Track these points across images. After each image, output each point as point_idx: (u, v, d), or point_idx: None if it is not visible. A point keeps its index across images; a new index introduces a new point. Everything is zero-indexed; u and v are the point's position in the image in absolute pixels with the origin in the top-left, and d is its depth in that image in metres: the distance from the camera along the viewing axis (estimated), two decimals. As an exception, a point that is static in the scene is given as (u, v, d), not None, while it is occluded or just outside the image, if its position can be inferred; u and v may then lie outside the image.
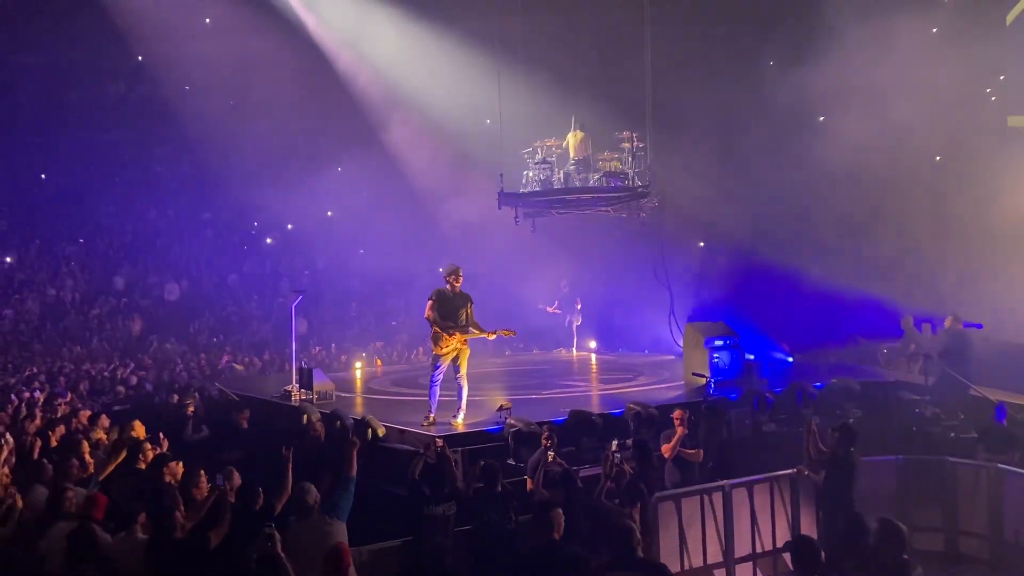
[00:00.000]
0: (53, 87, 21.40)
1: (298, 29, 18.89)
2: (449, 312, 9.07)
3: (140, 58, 20.55)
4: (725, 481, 8.13)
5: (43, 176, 22.43)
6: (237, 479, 6.57)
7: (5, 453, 7.09)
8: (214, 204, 22.30)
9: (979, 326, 12.31)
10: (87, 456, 7.48)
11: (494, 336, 9.40)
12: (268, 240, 22.66)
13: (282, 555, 5.24)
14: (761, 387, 10.97)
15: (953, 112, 15.06)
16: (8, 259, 19.85)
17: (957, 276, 15.32)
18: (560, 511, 5.96)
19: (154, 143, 22.51)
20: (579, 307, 16.84)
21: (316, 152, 20.03)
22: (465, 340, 9.14)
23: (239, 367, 16.17)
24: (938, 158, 16.27)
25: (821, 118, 17.18)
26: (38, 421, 9.45)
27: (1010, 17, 14.28)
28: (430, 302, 9.16)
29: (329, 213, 22.00)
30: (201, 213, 22.60)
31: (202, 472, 6.56)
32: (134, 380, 14.13)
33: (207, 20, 18.79)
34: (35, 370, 14.56)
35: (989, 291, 13.98)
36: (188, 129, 20.67)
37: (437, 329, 9.09)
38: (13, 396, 11.52)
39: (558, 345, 17.31)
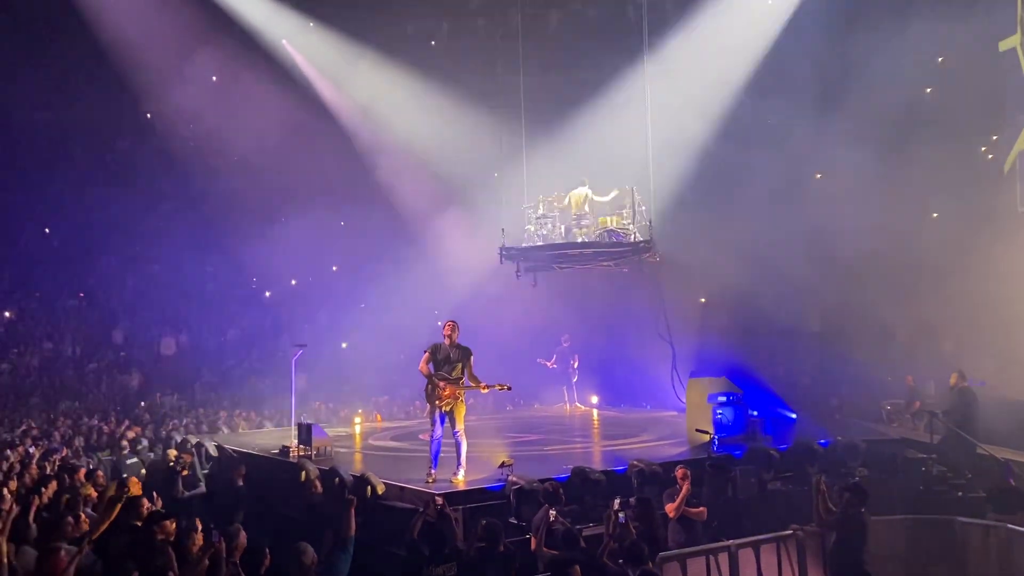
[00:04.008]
0: (59, 142, 21.62)
1: (303, 85, 19.25)
2: (443, 365, 9.07)
3: (148, 115, 20.85)
4: (731, 541, 7.95)
5: (47, 230, 22.56)
6: (243, 539, 6.37)
7: (7, 512, 6.91)
8: (217, 258, 22.38)
9: (981, 383, 12.21)
10: (82, 514, 7.31)
11: (487, 390, 9.32)
12: (267, 293, 22.68)
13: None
14: (765, 444, 10.84)
15: (948, 169, 15.24)
16: (8, 313, 19.82)
17: (960, 332, 15.28)
18: (578, 568, 5.80)
19: (158, 198, 22.69)
20: (575, 364, 16.74)
21: (319, 207, 20.18)
22: (460, 395, 9.07)
23: (241, 422, 16.01)
24: (935, 215, 16.40)
25: (818, 175, 17.40)
26: (29, 478, 9.29)
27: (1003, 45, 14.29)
28: (425, 355, 9.20)
29: (335, 268, 22.08)
30: (204, 267, 22.66)
31: (198, 529, 6.42)
32: (131, 435, 13.94)
33: (214, 78, 19.11)
34: (31, 424, 14.41)
35: (994, 347, 13.91)
36: (192, 185, 20.87)
37: (430, 383, 9.08)
38: (9, 452, 11.37)
39: (558, 401, 17.18)
